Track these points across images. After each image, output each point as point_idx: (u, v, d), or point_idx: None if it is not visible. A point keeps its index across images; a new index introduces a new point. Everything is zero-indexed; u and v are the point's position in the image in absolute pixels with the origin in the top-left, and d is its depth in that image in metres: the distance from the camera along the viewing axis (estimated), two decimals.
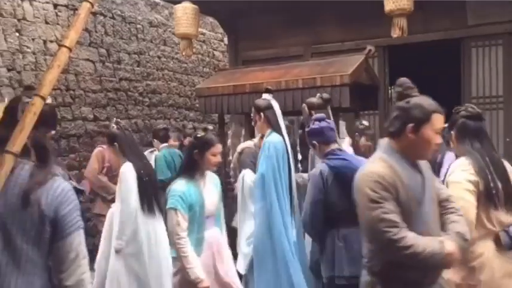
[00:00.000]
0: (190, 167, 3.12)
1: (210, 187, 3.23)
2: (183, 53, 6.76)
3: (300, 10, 6.85)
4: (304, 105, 4.10)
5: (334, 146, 3.07)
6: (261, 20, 7.18)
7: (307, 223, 3.06)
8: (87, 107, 7.28)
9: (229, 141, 6.76)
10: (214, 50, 10.47)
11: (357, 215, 2.79)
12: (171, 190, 3.05)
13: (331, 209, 2.92)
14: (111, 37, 7.84)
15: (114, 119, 4.56)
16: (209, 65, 10.24)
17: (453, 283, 2.36)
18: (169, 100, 9.08)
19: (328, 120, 3.21)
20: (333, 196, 2.90)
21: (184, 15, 6.41)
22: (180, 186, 3.04)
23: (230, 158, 6.64)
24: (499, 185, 2.34)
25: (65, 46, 1.81)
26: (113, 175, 5.24)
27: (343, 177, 2.82)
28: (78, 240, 1.74)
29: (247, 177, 4.04)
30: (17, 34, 6.29)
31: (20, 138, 1.68)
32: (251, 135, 6.41)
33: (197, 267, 2.97)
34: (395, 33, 5.40)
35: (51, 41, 6.70)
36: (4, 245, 1.62)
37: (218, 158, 3.19)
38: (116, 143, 3.88)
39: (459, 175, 2.39)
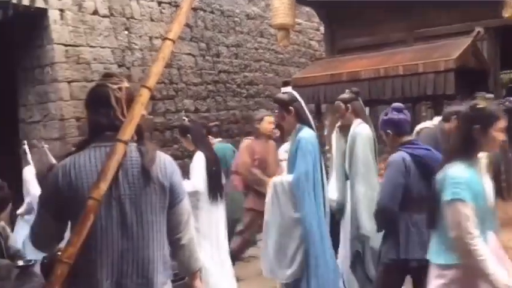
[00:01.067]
0: (468, 147, 2.40)
1: (485, 174, 2.55)
2: (281, 44, 6.79)
3: None
4: (337, 102, 4.14)
5: (408, 137, 3.14)
6: (358, 7, 6.98)
7: (385, 205, 3.05)
8: (188, 100, 7.62)
9: (325, 132, 6.69)
10: (310, 39, 10.40)
11: (427, 202, 2.73)
12: (450, 177, 2.36)
13: (408, 195, 3.01)
14: (211, 31, 8.10)
15: (183, 112, 4.80)
16: (305, 55, 10.19)
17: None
18: (265, 91, 9.19)
19: (406, 112, 3.22)
20: (413, 183, 3.00)
21: (282, 6, 6.43)
22: (461, 172, 2.34)
23: (327, 147, 6.57)
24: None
25: (169, 39, 1.89)
26: (264, 168, 4.96)
27: (425, 165, 2.97)
28: (188, 202, 1.97)
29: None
30: (126, 32, 6.73)
31: (129, 128, 1.79)
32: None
33: (500, 274, 2.26)
34: (508, 12, 4.96)
35: (156, 38, 7.08)
36: (137, 221, 1.78)
37: (503, 136, 2.47)
38: (189, 135, 4.15)
39: None
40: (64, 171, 1.77)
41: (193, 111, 7.64)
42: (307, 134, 3.53)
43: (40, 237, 1.91)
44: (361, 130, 3.97)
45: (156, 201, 1.82)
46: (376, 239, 3.62)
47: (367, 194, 3.76)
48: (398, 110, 3.17)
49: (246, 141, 5.29)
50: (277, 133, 5.54)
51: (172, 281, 1.98)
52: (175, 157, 7.10)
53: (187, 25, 7.60)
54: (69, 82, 5.99)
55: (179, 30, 1.93)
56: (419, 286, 3.05)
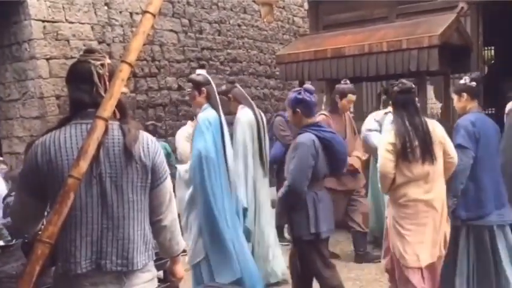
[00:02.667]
0: None
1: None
2: (264, 20, 6.71)
3: None
4: (220, 96, 4.36)
5: (313, 119, 3.33)
6: None
7: (296, 186, 3.18)
8: (171, 77, 7.52)
9: None
10: (294, 16, 10.30)
11: (323, 179, 3.36)
12: None
13: (315, 175, 3.21)
14: (193, 7, 7.96)
15: None
16: (289, 31, 10.11)
17: (390, 215, 3.16)
18: (249, 68, 9.12)
19: (315, 95, 3.38)
20: (320, 163, 3.22)
21: None
22: None
23: None
24: (416, 143, 2.99)
25: (149, 12, 1.84)
26: None
27: (330, 147, 3.24)
28: (170, 183, 1.94)
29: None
30: (106, 7, 6.57)
31: (110, 104, 1.74)
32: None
33: None
34: None
35: (137, 13, 6.93)
36: (118, 200, 1.76)
37: None
38: None
39: (384, 138, 3.18)
40: (43, 148, 1.74)
41: (176, 89, 7.55)
42: (207, 113, 3.65)
43: (20, 216, 1.87)
44: (241, 116, 4.34)
45: (138, 181, 1.79)
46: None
47: (245, 172, 4.11)
48: (311, 92, 3.30)
49: (321, 117, 4.71)
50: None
51: (154, 260, 1.96)
52: (159, 135, 7.04)
53: (169, 0, 7.45)
54: (47, 59, 5.85)
55: (159, 3, 1.87)
56: (323, 255, 3.35)
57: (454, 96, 3.52)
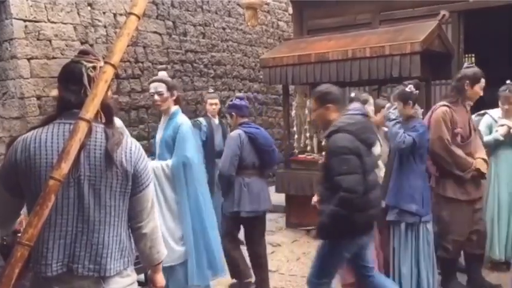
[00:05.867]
0: None
1: None
2: (249, 23, 6.73)
3: None
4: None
5: (245, 119, 4.21)
6: None
7: (224, 172, 4.02)
8: None
9: (293, 113, 6.70)
10: (278, 20, 10.34)
11: (258, 167, 4.16)
12: None
13: (242, 163, 4.06)
14: (177, 9, 7.93)
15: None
16: (273, 35, 10.14)
17: None
18: (233, 72, 9.12)
19: (246, 100, 4.29)
20: (245, 153, 4.05)
21: None
22: None
23: (294, 129, 6.60)
24: None
25: (134, 14, 1.83)
26: (466, 144, 3.85)
27: (254, 140, 4.08)
28: (152, 191, 1.92)
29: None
30: (89, 8, 6.51)
31: (93, 106, 1.73)
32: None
33: None
34: None
35: (121, 14, 6.88)
36: (95, 204, 1.73)
37: None
38: None
39: None
40: (24, 144, 1.72)
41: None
42: (185, 119, 3.64)
43: None
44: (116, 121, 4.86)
45: (117, 186, 1.76)
46: None
47: None
48: (241, 98, 4.24)
49: (442, 109, 3.82)
50: None
51: (134, 264, 1.92)
52: (141, 137, 7.00)
53: (153, 2, 7.41)
54: (29, 59, 5.76)
55: (144, 4, 1.86)
56: (249, 233, 4.22)
57: (399, 103, 3.68)
